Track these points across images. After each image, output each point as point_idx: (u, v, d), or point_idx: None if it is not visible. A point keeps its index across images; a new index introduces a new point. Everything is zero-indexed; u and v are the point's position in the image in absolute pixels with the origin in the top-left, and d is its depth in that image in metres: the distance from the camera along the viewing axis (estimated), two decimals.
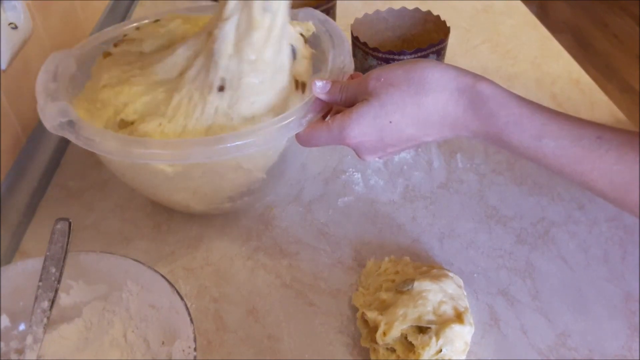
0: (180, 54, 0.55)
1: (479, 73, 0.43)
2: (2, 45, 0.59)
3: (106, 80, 0.56)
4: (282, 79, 0.53)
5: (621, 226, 0.59)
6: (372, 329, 0.48)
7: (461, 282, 0.52)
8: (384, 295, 0.49)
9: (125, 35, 0.63)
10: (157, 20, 0.64)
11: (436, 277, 0.50)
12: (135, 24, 0.64)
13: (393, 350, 0.47)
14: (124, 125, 0.52)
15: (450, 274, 0.51)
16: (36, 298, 0.46)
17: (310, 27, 0.60)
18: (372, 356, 0.48)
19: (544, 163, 0.41)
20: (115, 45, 0.62)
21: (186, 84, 0.53)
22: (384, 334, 0.46)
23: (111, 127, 0.53)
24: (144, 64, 0.57)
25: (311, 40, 0.60)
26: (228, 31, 0.51)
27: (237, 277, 0.56)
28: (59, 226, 0.49)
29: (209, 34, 0.53)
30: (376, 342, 0.47)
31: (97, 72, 0.59)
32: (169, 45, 0.60)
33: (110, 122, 0.53)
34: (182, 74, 0.54)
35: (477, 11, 0.96)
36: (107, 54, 0.61)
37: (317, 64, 0.59)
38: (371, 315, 0.48)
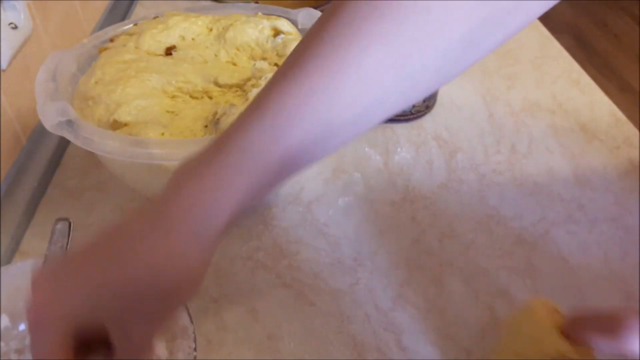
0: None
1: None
2: (2, 45, 0.59)
3: (98, 77, 0.56)
4: None
5: (621, 226, 0.59)
6: None
7: None
8: None
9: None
10: (156, 17, 0.64)
11: None
12: (135, 24, 0.64)
13: None
14: (118, 126, 0.52)
15: None
16: None
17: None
18: None
19: None
20: (112, 40, 0.62)
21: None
22: None
23: (104, 126, 0.52)
24: (140, 66, 0.57)
25: None
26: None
27: (237, 277, 0.56)
28: (59, 226, 0.49)
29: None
30: None
31: (92, 69, 0.59)
32: (168, 46, 0.60)
33: (103, 121, 0.53)
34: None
35: None
36: (103, 49, 0.61)
37: None
38: None
